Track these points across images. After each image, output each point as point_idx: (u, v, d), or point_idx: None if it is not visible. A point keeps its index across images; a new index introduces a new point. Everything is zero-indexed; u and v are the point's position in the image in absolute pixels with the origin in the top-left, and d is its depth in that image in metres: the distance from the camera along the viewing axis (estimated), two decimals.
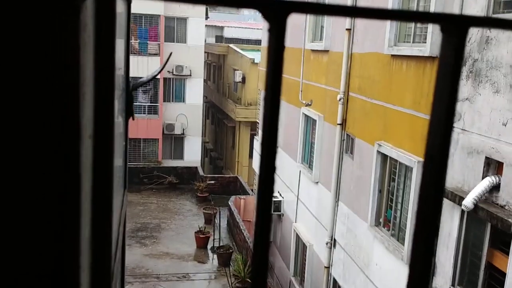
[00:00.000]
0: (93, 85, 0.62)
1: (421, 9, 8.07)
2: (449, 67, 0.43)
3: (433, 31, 7.39)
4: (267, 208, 0.43)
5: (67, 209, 0.50)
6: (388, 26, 8.65)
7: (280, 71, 0.40)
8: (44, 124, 0.47)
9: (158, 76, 25.33)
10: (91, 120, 0.61)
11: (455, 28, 0.43)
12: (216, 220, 18.53)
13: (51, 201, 0.49)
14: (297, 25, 13.47)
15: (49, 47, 0.44)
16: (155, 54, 25.53)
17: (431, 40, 7.40)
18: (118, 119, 1.30)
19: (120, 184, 1.49)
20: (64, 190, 0.49)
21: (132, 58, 24.75)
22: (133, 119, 1.62)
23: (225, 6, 0.39)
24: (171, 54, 3.34)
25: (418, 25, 8.14)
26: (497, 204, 6.09)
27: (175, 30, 26.45)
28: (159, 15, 25.50)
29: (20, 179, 0.49)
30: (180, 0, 0.39)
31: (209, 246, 17.80)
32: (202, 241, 17.75)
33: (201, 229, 18.03)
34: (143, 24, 25.63)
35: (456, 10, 6.85)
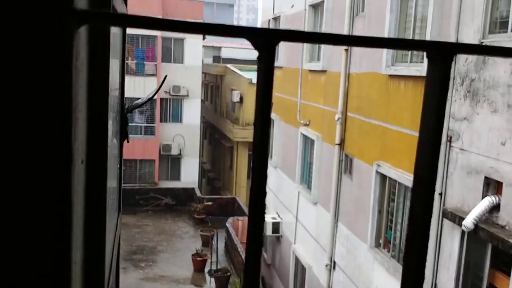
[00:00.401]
0: (87, 110, 0.61)
1: (417, 29, 8.13)
2: (435, 94, 0.43)
3: None
4: (259, 229, 0.43)
5: (58, 233, 0.48)
6: None
7: (270, 96, 0.39)
8: (35, 149, 0.45)
9: (155, 97, 25.40)
10: (84, 145, 0.59)
11: (440, 55, 0.43)
12: (213, 243, 18.35)
13: (41, 226, 0.47)
14: (295, 45, 13.56)
15: (42, 74, 0.44)
16: (152, 75, 25.65)
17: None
18: (113, 142, 1.27)
19: (114, 208, 1.45)
20: (54, 215, 0.47)
21: (129, 79, 24.86)
22: (127, 141, 1.58)
23: (216, 35, 0.40)
24: (165, 77, 3.34)
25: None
26: (498, 224, 6.03)
27: (172, 50, 26.65)
28: (156, 36, 25.70)
29: (10, 203, 0.48)
30: (174, 29, 0.37)
31: (206, 269, 17.57)
32: (199, 264, 17.53)
33: (198, 251, 17.83)
34: (140, 45, 25.81)
35: (452, 31, 6.90)
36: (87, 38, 0.59)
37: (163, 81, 2.65)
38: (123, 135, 1.52)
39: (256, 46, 0.39)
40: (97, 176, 0.67)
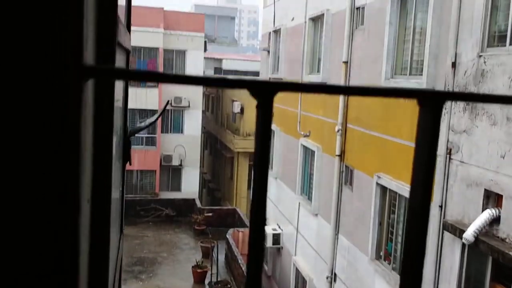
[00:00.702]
0: (92, 152, 0.64)
1: (416, 42, 8.19)
2: (427, 138, 0.46)
3: (429, 64, 7.48)
4: (260, 238, 0.44)
5: (65, 270, 0.50)
6: (385, 58, 8.77)
7: (268, 141, 0.42)
8: (43, 193, 0.48)
9: (157, 108, 25.47)
10: (90, 185, 0.62)
11: (431, 102, 0.46)
12: (213, 254, 18.28)
13: (46, 272, 0.49)
14: (295, 57, 13.65)
15: (53, 127, 0.47)
16: (154, 86, 25.74)
17: (428, 72, 7.49)
18: (115, 165, 1.29)
19: (116, 230, 1.47)
20: (62, 258, 0.49)
21: (131, 90, 24.77)
22: (130, 164, 1.61)
23: (219, 87, 0.43)
24: (168, 101, 3.39)
25: (415, 57, 8.25)
26: (498, 237, 6.03)
27: (173, 62, 26.78)
28: (158, 48, 25.84)
29: (16, 251, 0.50)
30: (177, 82, 0.41)
31: (206, 281, 17.49)
32: (199, 276, 17.46)
33: (198, 263, 17.76)
34: (142, 56, 25.95)
35: (451, 44, 6.95)
36: (93, 86, 0.62)
37: (165, 105, 2.69)
38: (126, 158, 1.54)
39: (255, 96, 0.42)
40: (101, 215, 0.70)
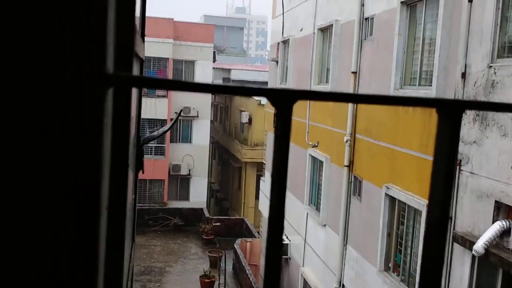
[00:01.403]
0: (110, 160, 0.65)
1: (426, 52, 8.18)
2: (445, 149, 0.46)
3: (438, 75, 7.46)
4: (277, 252, 0.45)
5: (84, 278, 0.50)
6: (393, 69, 8.76)
7: (287, 150, 0.43)
8: (66, 200, 0.48)
9: (165, 117, 25.59)
10: (107, 192, 0.63)
11: (449, 111, 0.45)
12: (221, 264, 18.22)
13: (66, 274, 0.49)
14: (304, 67, 13.68)
15: (74, 131, 0.48)
16: (163, 96, 25.90)
17: (437, 82, 7.47)
18: (130, 174, 1.30)
19: (128, 239, 1.48)
20: (81, 263, 0.49)
21: None
22: (143, 172, 1.62)
23: (238, 95, 0.44)
24: (181, 111, 3.42)
25: (424, 68, 8.24)
26: (508, 249, 5.96)
27: (183, 72, 26.94)
28: (168, 58, 26.02)
29: (37, 254, 0.50)
30: (196, 90, 0.41)
31: None
32: (207, 285, 17.39)
33: (206, 273, 17.71)
34: (152, 67, 26.15)
35: (461, 55, 6.94)
36: (112, 94, 0.64)
37: (178, 115, 2.72)
38: (139, 166, 1.55)
39: (274, 104, 0.43)
40: (117, 223, 0.71)
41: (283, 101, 0.42)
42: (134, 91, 1.33)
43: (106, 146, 0.55)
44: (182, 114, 26.50)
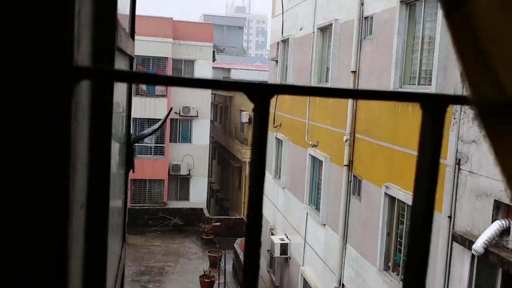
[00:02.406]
0: (88, 156, 0.63)
1: (425, 51, 8.17)
2: (429, 144, 0.45)
3: (438, 74, 7.45)
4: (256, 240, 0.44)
5: (54, 280, 0.49)
6: (393, 68, 8.75)
7: (265, 145, 0.42)
8: (31, 197, 0.47)
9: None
10: (84, 190, 0.62)
11: (434, 106, 0.44)
12: (221, 264, 18.22)
13: (32, 277, 0.48)
14: (303, 67, 13.68)
15: (41, 129, 0.46)
16: (163, 96, 25.89)
17: (436, 81, 7.46)
18: (118, 173, 1.29)
19: (118, 239, 1.47)
20: (50, 262, 0.48)
21: (140, 100, 25.10)
22: (133, 171, 1.61)
23: (217, 89, 0.43)
24: (171, 109, 3.40)
25: (423, 67, 8.23)
26: (508, 248, 5.95)
27: (182, 72, 26.91)
28: (167, 58, 26.01)
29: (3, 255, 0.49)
30: (170, 84, 0.40)
31: None
32: (207, 285, 17.39)
33: (206, 273, 17.71)
34: (151, 66, 26.13)
35: None
36: (90, 89, 0.62)
37: (168, 113, 2.71)
38: (129, 165, 1.54)
39: (252, 99, 0.42)
40: (98, 221, 0.69)
41: (260, 95, 0.41)
42: (122, 87, 1.32)
43: (79, 142, 0.54)
44: (181, 113, 26.51)
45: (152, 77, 0.39)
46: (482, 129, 0.44)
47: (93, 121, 0.64)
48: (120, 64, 1.14)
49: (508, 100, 0.41)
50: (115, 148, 1.10)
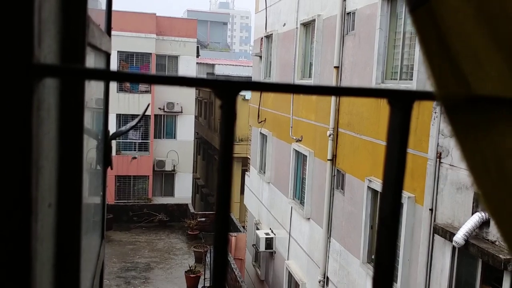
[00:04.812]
0: (56, 154, 0.62)
1: (406, 47, 8.25)
2: (397, 138, 0.46)
3: (419, 69, 7.54)
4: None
5: (17, 282, 0.48)
6: (375, 63, 8.82)
7: (232, 140, 0.43)
8: None
9: (149, 113, 25.43)
10: (53, 189, 0.61)
11: (400, 102, 0.46)
12: (207, 259, 18.23)
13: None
14: (287, 62, 13.70)
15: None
16: (146, 91, 25.71)
17: (418, 76, 7.54)
18: (96, 170, 1.29)
19: (97, 236, 1.47)
20: (14, 267, 0.48)
21: (124, 95, 24.90)
22: (111, 168, 1.61)
23: (185, 86, 0.43)
24: (148, 105, 3.40)
25: (405, 62, 8.31)
26: (488, 240, 6.07)
27: (166, 67, 26.74)
28: (151, 53, 25.82)
29: None
30: (133, 80, 0.41)
31: (199, 286, 17.43)
32: (192, 280, 17.40)
33: (191, 268, 17.70)
34: (134, 62, 25.92)
35: None
36: (57, 84, 0.62)
37: (146, 109, 2.70)
38: (107, 162, 1.54)
39: (218, 96, 0.43)
40: (69, 220, 0.69)
41: (226, 92, 0.42)
42: (98, 83, 1.32)
43: (44, 140, 0.53)
44: (166, 109, 26.36)
45: (112, 74, 0.40)
46: (448, 124, 0.46)
47: (63, 119, 0.64)
48: (94, 61, 1.14)
49: (472, 95, 0.42)
50: (91, 144, 1.10)
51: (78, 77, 0.40)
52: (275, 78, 14.82)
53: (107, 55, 1.46)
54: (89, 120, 0.90)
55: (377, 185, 8.69)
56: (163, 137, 27.02)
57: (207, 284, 17.05)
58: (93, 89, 1.11)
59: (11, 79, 0.43)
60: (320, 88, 0.50)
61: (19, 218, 0.47)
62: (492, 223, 6.00)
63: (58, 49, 0.59)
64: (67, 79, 0.66)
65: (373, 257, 8.25)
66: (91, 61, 1.03)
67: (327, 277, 10.83)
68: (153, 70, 25.85)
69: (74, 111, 0.69)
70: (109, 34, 1.52)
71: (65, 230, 0.68)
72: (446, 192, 6.85)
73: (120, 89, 24.95)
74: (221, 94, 0.43)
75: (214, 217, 0.47)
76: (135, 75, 0.42)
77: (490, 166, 0.44)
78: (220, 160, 0.45)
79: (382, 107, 8.74)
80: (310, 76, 12.22)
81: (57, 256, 0.66)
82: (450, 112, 0.45)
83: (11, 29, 0.44)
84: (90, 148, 1.05)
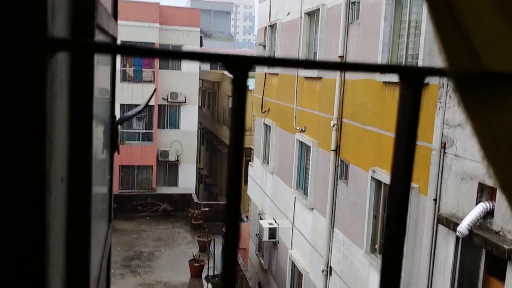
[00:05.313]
0: (67, 130, 0.63)
1: (411, 36, 8.20)
2: (407, 115, 0.46)
3: (423, 58, 7.49)
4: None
5: (32, 258, 0.49)
6: (380, 52, 8.77)
7: (243, 116, 0.43)
8: (7, 172, 0.47)
9: (153, 103, 25.42)
10: (65, 163, 0.61)
11: (412, 78, 0.45)
12: (210, 248, 18.33)
13: (14, 249, 0.48)
14: (291, 52, 13.64)
15: (15, 101, 0.45)
16: (150, 81, 25.69)
17: (423, 65, 7.46)
18: (103, 154, 1.29)
19: (105, 218, 1.48)
20: (28, 236, 0.48)
21: (128, 85, 24.89)
22: (118, 153, 1.61)
23: (195, 61, 0.42)
24: (155, 90, 3.39)
25: (410, 51, 8.26)
26: (492, 230, 6.07)
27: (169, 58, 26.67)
28: (154, 43, 25.76)
29: None
30: (144, 55, 0.40)
31: (203, 275, 17.54)
32: (196, 269, 17.50)
33: (195, 257, 17.80)
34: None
35: None
36: (68, 59, 0.62)
37: (152, 94, 2.70)
38: (114, 146, 1.54)
39: (230, 70, 0.42)
40: (80, 192, 0.69)
41: (239, 66, 0.42)
42: (105, 68, 1.31)
43: (58, 115, 0.54)
44: (169, 99, 26.34)
45: (124, 48, 0.40)
46: (459, 99, 0.46)
47: (73, 95, 0.64)
48: (103, 41, 1.13)
49: (483, 71, 0.43)
50: (99, 129, 1.10)
51: (89, 50, 0.39)
52: (279, 68, 14.75)
53: (114, 40, 1.46)
54: (97, 104, 0.90)
55: (381, 175, 8.68)
56: (167, 127, 27.04)
57: (211, 272, 17.15)
58: (99, 73, 1.11)
59: (26, 52, 0.43)
60: (335, 64, 0.49)
61: (34, 189, 0.47)
62: (496, 213, 5.99)
63: (69, 28, 0.59)
64: (79, 52, 0.66)
65: (376, 247, 8.27)
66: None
67: (330, 266, 10.87)
68: (156, 60, 25.81)
69: (84, 87, 0.69)
70: (115, 19, 1.52)
71: (76, 205, 0.69)
72: (451, 182, 6.83)
73: (124, 79, 24.94)
74: (233, 69, 0.42)
75: (226, 191, 0.47)
76: (143, 49, 0.41)
77: (500, 141, 0.44)
78: (231, 135, 0.44)
79: (386, 97, 8.71)
80: None
81: (69, 230, 0.66)
82: (460, 87, 0.45)
83: (26, 4, 0.44)
84: (98, 131, 1.05)
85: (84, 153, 0.71)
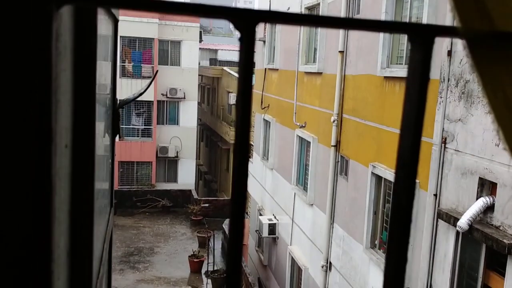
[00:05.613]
0: (72, 94, 0.62)
1: (414, 14, 8.16)
2: (417, 76, 0.44)
3: None
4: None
5: (38, 218, 0.48)
6: (380, 48, 8.75)
7: (250, 76, 0.41)
8: (12, 129, 0.46)
9: (152, 99, 25.37)
10: (69, 130, 0.60)
11: (421, 37, 0.43)
12: (210, 244, 18.34)
13: (20, 208, 0.47)
14: (291, 47, 13.61)
15: (19, 55, 0.44)
16: (149, 77, 25.63)
17: None
18: (105, 137, 1.27)
19: (106, 202, 1.47)
20: (35, 196, 0.47)
21: (126, 81, 24.84)
22: (119, 137, 1.60)
23: (198, 16, 0.40)
24: (157, 72, 3.37)
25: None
26: (492, 224, 6.06)
27: (169, 53, 26.64)
28: (153, 38, 25.70)
29: None
30: (153, 9, 0.39)
31: (203, 271, 17.56)
32: (196, 265, 17.52)
33: (195, 253, 17.82)
34: (137, 47, 25.80)
35: (448, 21, 6.93)
36: (72, 21, 0.60)
37: (154, 75, 2.69)
38: (115, 130, 1.53)
39: (237, 27, 0.40)
40: (84, 162, 0.68)
41: (246, 21, 0.40)
42: (107, 40, 1.29)
43: (62, 74, 0.52)
44: (168, 95, 26.30)
45: (133, 1, 0.38)
46: (470, 59, 0.45)
47: (77, 55, 0.62)
48: (105, 23, 1.12)
49: (496, 31, 0.42)
50: (103, 112, 1.09)
51: (94, 3, 0.38)
52: (278, 63, 14.74)
53: (116, 21, 1.44)
54: (99, 86, 0.89)
55: (381, 171, 8.67)
56: (166, 123, 27.02)
57: (210, 268, 17.17)
58: (101, 71, 1.09)
59: (32, 4, 0.42)
60: (342, 20, 0.47)
61: (40, 146, 0.46)
62: (496, 208, 5.99)
63: None
64: (85, 5, 0.64)
65: (376, 242, 8.27)
66: (102, 25, 1.01)
67: (330, 262, 10.88)
68: (155, 55, 25.75)
69: (87, 44, 0.67)
70: None
71: (80, 169, 0.68)
72: (451, 177, 6.83)
73: (123, 75, 24.89)
74: (240, 25, 0.40)
75: (233, 176, 0.44)
76: (147, 2, 0.39)
77: (511, 104, 0.43)
78: (238, 97, 0.42)
79: (387, 92, 8.69)
80: (314, 61, 12.14)
81: (73, 197, 0.65)
82: (472, 47, 0.44)
83: None
84: (100, 113, 1.04)
85: (88, 119, 0.70)
